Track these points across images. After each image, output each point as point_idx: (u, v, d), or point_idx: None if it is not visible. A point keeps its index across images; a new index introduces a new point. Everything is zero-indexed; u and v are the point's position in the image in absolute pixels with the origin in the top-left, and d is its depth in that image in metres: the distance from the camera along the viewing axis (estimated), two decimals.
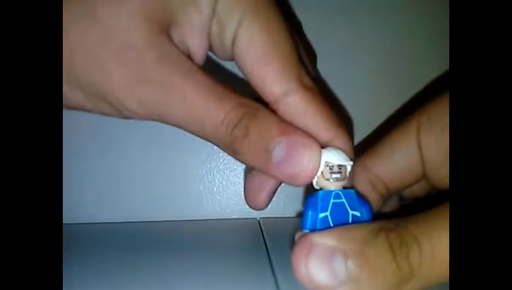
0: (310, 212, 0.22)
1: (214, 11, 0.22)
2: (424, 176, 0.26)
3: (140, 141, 0.41)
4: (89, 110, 0.22)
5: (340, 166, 0.21)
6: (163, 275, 0.25)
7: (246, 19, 0.22)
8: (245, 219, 0.41)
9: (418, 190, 0.28)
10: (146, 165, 0.41)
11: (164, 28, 0.21)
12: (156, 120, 0.22)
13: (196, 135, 0.22)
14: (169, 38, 0.21)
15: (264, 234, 0.35)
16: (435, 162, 0.25)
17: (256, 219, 0.41)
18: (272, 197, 0.27)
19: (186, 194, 0.41)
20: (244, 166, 0.41)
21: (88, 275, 0.26)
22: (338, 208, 0.22)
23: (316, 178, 0.21)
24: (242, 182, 0.41)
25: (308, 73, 0.23)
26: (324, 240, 0.19)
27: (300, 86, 0.22)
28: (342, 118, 0.24)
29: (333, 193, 0.22)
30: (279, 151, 0.20)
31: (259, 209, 0.27)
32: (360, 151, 0.27)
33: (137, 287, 0.24)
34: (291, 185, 0.21)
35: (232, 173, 0.42)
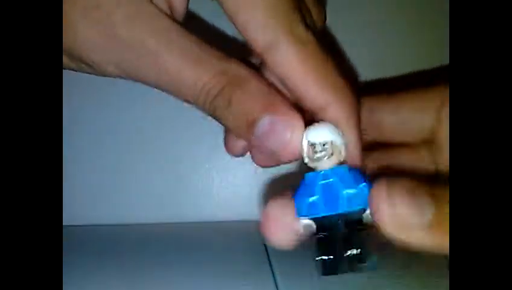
0: (297, 199, 0.20)
1: None
2: (425, 147, 0.25)
3: (139, 143, 0.41)
4: (76, 70, 0.22)
5: (325, 143, 0.20)
6: (163, 277, 0.25)
7: None
8: (245, 220, 0.41)
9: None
10: (145, 167, 0.41)
11: None
12: (133, 79, 0.21)
13: (174, 96, 0.20)
14: None
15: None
16: (445, 142, 0.24)
17: (256, 220, 0.41)
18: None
19: (185, 195, 0.41)
20: (244, 167, 0.41)
21: (87, 276, 0.26)
22: (328, 189, 0.20)
23: (306, 159, 0.20)
24: (241, 184, 0.41)
25: (304, 21, 0.20)
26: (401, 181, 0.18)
27: (289, 37, 0.19)
28: (347, 78, 0.21)
29: (320, 173, 0.20)
30: (261, 126, 0.19)
31: (237, 156, 0.24)
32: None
33: (137, 287, 0.24)
34: (276, 162, 0.20)
35: (231, 173, 0.42)
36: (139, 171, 0.41)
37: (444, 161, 0.24)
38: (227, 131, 0.24)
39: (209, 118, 0.20)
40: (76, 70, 0.22)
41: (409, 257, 0.29)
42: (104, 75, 0.21)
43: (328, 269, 0.21)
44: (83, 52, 0.20)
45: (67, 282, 0.21)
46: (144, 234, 0.37)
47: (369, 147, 0.26)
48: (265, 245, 0.32)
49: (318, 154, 0.20)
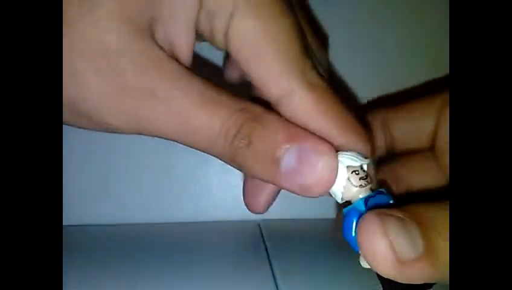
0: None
1: (201, 2, 0.19)
2: (429, 148, 0.25)
3: (137, 143, 0.41)
4: (70, 124, 0.21)
5: (362, 168, 0.18)
6: (162, 277, 0.25)
7: (239, 8, 0.18)
8: (245, 221, 0.41)
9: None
10: (144, 167, 0.41)
11: (145, 27, 0.18)
12: (143, 134, 0.20)
13: (189, 145, 0.20)
14: (152, 38, 0.18)
15: (264, 236, 0.35)
16: (444, 146, 0.24)
17: (256, 221, 0.41)
18: (273, 201, 0.25)
19: (183, 196, 0.41)
20: None
21: (86, 276, 0.26)
22: None
23: (342, 189, 0.18)
24: (241, 183, 0.41)
25: (314, 66, 0.20)
26: (394, 213, 0.17)
27: (304, 83, 0.19)
28: (360, 116, 0.21)
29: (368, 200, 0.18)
30: (288, 159, 0.17)
31: (258, 213, 0.25)
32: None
33: (137, 288, 0.24)
34: (305, 196, 0.18)
35: (230, 173, 0.41)
36: (138, 172, 0.41)
37: (443, 165, 0.24)
38: (247, 183, 0.25)
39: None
40: (69, 124, 0.20)
41: None
42: (103, 129, 0.20)
43: None
44: (84, 103, 0.19)
45: (67, 282, 0.21)
46: (143, 233, 0.37)
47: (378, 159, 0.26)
48: (265, 245, 0.32)
49: (362, 182, 0.18)
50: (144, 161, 0.41)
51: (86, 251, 0.32)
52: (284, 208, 0.41)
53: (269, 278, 0.25)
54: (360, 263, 0.19)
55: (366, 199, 0.18)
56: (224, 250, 0.32)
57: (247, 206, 0.25)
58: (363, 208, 0.18)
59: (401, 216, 0.17)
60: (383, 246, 0.16)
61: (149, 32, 0.18)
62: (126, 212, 0.41)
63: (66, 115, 0.20)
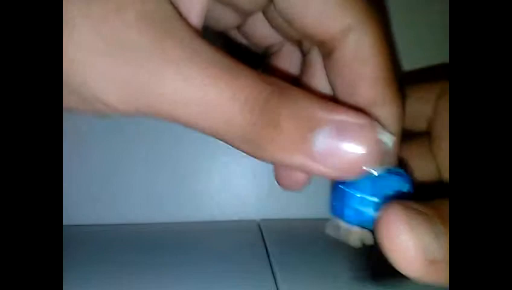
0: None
1: None
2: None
3: (138, 143, 0.41)
4: (71, 108, 0.18)
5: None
6: (162, 277, 0.25)
7: None
8: (245, 220, 0.41)
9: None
10: (144, 167, 0.41)
11: None
12: (142, 113, 0.16)
13: (200, 127, 0.15)
14: None
15: (264, 235, 0.35)
16: (440, 131, 0.22)
17: (256, 220, 0.41)
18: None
19: (184, 195, 0.41)
20: (244, 166, 0.41)
21: (87, 276, 0.26)
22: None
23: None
24: (241, 183, 0.41)
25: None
26: (421, 208, 0.15)
27: (367, 16, 0.18)
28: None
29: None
30: (323, 139, 0.14)
31: (295, 189, 0.21)
32: None
33: (137, 287, 0.24)
34: (340, 178, 0.16)
35: (231, 173, 0.42)
36: (139, 171, 0.41)
37: (439, 153, 0.24)
38: (277, 165, 0.20)
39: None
40: (70, 109, 0.18)
41: None
42: (93, 108, 0.17)
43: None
44: (74, 66, 0.16)
45: (67, 281, 0.21)
46: (144, 233, 0.37)
47: None
48: (265, 244, 0.32)
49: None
50: (144, 162, 0.41)
51: (86, 250, 0.32)
52: (283, 208, 0.41)
53: (269, 276, 0.25)
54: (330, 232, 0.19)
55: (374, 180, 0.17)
56: (225, 250, 0.32)
57: (282, 185, 0.21)
58: (366, 192, 0.17)
59: (426, 212, 0.15)
60: (411, 245, 0.15)
61: None
62: (126, 212, 0.41)
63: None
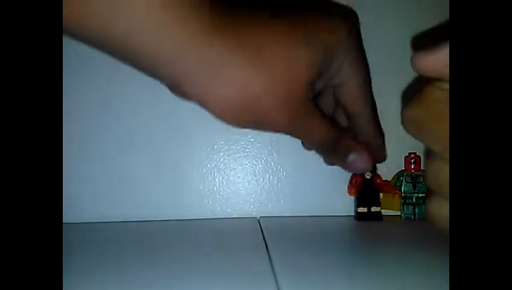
0: None
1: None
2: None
3: (140, 140, 0.41)
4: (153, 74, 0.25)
5: None
6: (164, 273, 0.25)
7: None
8: (245, 217, 0.41)
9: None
10: (146, 164, 0.41)
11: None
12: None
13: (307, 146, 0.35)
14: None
15: (264, 232, 0.35)
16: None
17: (256, 217, 0.41)
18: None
19: (186, 193, 0.41)
20: (244, 166, 0.42)
21: (88, 274, 0.26)
22: None
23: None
24: (242, 181, 0.42)
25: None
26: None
27: (368, 110, 0.34)
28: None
29: None
30: (352, 157, 0.32)
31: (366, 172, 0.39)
32: None
33: (137, 285, 0.24)
34: (352, 171, 0.37)
35: (232, 172, 0.42)
36: (141, 170, 0.41)
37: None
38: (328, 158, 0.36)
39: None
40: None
41: (409, 257, 0.29)
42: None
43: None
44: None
45: (67, 279, 0.21)
46: (146, 231, 0.37)
47: None
48: (265, 242, 0.32)
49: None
50: (146, 160, 0.41)
51: (87, 248, 0.32)
52: (282, 206, 0.41)
53: (269, 273, 0.25)
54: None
55: None
56: (225, 246, 0.32)
57: (327, 162, 0.36)
58: None
59: None
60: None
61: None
62: (127, 209, 0.41)
63: None
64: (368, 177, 0.40)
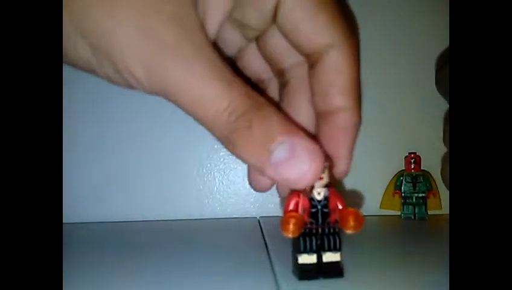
0: None
1: None
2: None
3: (140, 140, 0.41)
4: (94, 71, 0.21)
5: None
6: (164, 273, 0.25)
7: None
8: (245, 217, 0.41)
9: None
10: (146, 164, 0.41)
11: None
12: (156, 92, 0.20)
13: (193, 114, 0.20)
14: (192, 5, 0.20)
15: (264, 232, 0.35)
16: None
17: (256, 217, 0.41)
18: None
19: (186, 193, 0.41)
20: (244, 166, 0.41)
21: (88, 274, 0.26)
22: None
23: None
24: (242, 181, 0.42)
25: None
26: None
27: (345, 36, 0.23)
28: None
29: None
30: (280, 151, 0.18)
31: (262, 191, 0.26)
32: None
33: (137, 285, 0.24)
34: (286, 186, 0.20)
35: (232, 172, 0.42)
36: (141, 170, 0.41)
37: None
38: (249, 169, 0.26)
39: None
40: (93, 71, 0.21)
41: (409, 257, 0.29)
42: (124, 81, 0.20)
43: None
44: (114, 44, 0.19)
45: (67, 279, 0.21)
46: (146, 231, 0.37)
47: None
48: (265, 242, 0.32)
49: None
50: (146, 160, 0.41)
51: (88, 248, 0.32)
52: (282, 206, 0.41)
53: (269, 273, 0.25)
54: None
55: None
56: (225, 246, 0.32)
57: (252, 187, 0.26)
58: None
59: None
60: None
61: None
62: (127, 209, 0.41)
63: (92, 57, 0.20)
64: (320, 197, 0.22)
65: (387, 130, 0.40)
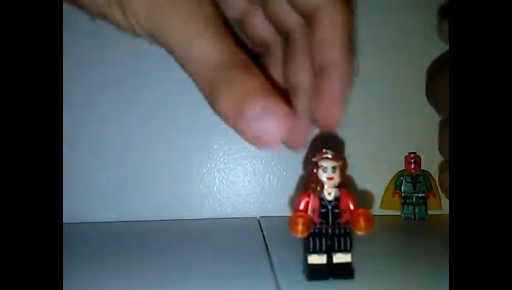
0: None
1: None
2: None
3: (141, 141, 0.41)
4: (104, 15, 0.21)
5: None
6: (164, 273, 0.25)
7: None
8: (245, 217, 0.41)
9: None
10: (147, 165, 0.41)
11: None
12: (153, 34, 0.21)
13: (181, 62, 0.21)
14: None
15: (264, 232, 0.35)
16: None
17: (256, 217, 0.41)
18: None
19: (186, 193, 0.41)
20: (244, 166, 0.42)
21: (88, 274, 0.26)
22: None
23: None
24: (242, 181, 0.42)
25: None
26: None
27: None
28: None
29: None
30: (253, 109, 0.19)
31: (295, 149, 0.26)
32: None
33: (138, 285, 0.24)
34: (252, 144, 0.20)
35: (232, 172, 0.42)
36: (142, 170, 0.41)
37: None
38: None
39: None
40: (97, 12, 0.21)
41: (409, 257, 0.29)
42: (125, 22, 0.21)
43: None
44: None
45: (67, 279, 0.21)
46: (146, 231, 0.37)
47: None
48: (265, 242, 0.32)
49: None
50: (147, 160, 0.41)
51: (87, 248, 0.32)
52: (283, 205, 0.42)
53: (269, 273, 0.25)
54: None
55: None
56: (225, 246, 0.32)
57: (285, 145, 0.26)
58: None
59: None
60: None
61: None
62: (128, 210, 0.41)
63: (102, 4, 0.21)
64: (330, 197, 0.23)
65: (387, 130, 0.40)
